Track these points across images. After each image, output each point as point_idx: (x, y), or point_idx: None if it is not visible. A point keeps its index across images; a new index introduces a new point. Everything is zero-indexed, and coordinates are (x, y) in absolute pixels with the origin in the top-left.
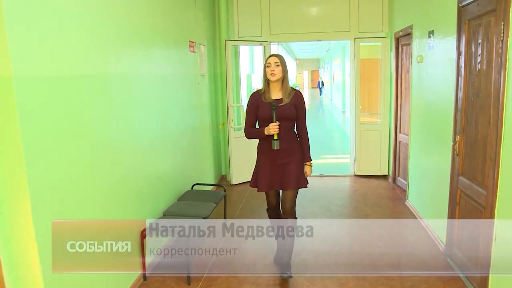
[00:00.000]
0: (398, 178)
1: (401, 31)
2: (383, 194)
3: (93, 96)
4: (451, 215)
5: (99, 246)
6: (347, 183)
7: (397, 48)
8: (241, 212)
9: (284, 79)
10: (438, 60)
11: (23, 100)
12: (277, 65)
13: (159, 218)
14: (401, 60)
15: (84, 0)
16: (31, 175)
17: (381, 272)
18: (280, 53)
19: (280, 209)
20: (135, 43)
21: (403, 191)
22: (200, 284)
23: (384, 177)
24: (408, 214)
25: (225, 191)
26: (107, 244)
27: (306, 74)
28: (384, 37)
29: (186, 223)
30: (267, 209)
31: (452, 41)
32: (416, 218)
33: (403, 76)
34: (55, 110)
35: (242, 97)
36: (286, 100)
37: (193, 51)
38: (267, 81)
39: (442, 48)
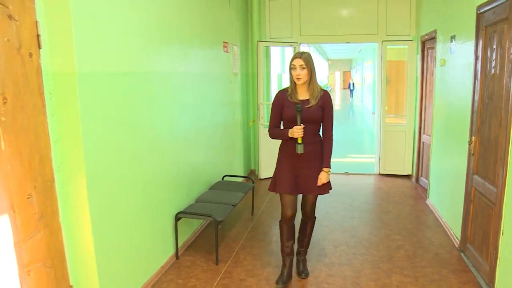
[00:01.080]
0: (421, 178)
1: (426, 34)
2: (405, 192)
3: (140, 91)
4: (466, 212)
5: (139, 226)
6: (371, 182)
7: (422, 51)
8: (267, 204)
9: (311, 80)
10: (458, 64)
11: (83, 92)
12: (303, 68)
13: (191, 204)
14: (427, 63)
15: (134, 6)
16: (87, 159)
17: (396, 262)
18: (310, 53)
19: (294, 225)
20: (175, 44)
21: (425, 190)
22: (227, 265)
23: (408, 176)
24: (427, 212)
25: (253, 183)
26: (146, 224)
27: (338, 74)
28: (411, 40)
29: (216, 209)
30: (280, 221)
31: (471, 46)
32: (435, 216)
33: (428, 78)
34: (108, 102)
35: (272, 96)
36: (313, 102)
37: (227, 51)
38: (293, 82)
39: (462, 52)
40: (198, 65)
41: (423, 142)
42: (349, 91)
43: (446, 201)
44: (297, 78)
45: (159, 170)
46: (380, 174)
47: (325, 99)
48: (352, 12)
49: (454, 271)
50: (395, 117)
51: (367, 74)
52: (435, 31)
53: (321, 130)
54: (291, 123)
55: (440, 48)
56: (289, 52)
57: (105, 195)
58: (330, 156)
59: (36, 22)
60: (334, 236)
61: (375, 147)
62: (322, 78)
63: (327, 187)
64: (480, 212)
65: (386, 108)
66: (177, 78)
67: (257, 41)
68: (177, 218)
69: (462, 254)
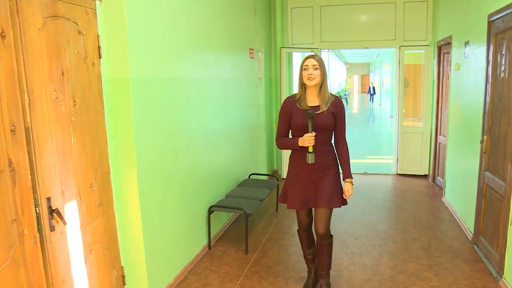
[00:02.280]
0: (437, 177)
1: (442, 40)
2: (422, 191)
3: (178, 95)
4: (478, 207)
5: (178, 217)
6: (389, 181)
7: (439, 55)
8: None
9: (322, 83)
10: (472, 68)
11: (135, 95)
12: (316, 68)
13: (222, 199)
14: (443, 67)
15: (175, 20)
16: (138, 155)
17: (412, 252)
18: (330, 58)
19: (312, 230)
20: (208, 52)
21: (441, 189)
22: (256, 254)
23: (425, 176)
24: (442, 208)
25: (278, 180)
26: (183, 216)
27: (356, 78)
28: (428, 45)
29: (245, 203)
30: (298, 230)
31: (483, 51)
32: (450, 212)
33: (444, 82)
34: (154, 104)
35: None
36: (324, 108)
37: (252, 57)
38: (303, 86)
39: (475, 57)
40: (227, 71)
41: (439, 143)
42: (368, 95)
43: (460, 197)
44: (309, 79)
45: (194, 167)
46: (397, 174)
47: (336, 105)
48: (370, 19)
49: (466, 261)
50: (413, 120)
51: (385, 78)
52: (450, 37)
53: (332, 140)
54: (300, 132)
55: (455, 53)
56: None
57: (151, 187)
58: (349, 165)
59: (98, 35)
60: (355, 229)
61: (393, 148)
62: (341, 81)
63: (337, 199)
64: (491, 206)
65: (404, 110)
66: (209, 83)
67: (280, 47)
68: (210, 211)
69: (475, 246)
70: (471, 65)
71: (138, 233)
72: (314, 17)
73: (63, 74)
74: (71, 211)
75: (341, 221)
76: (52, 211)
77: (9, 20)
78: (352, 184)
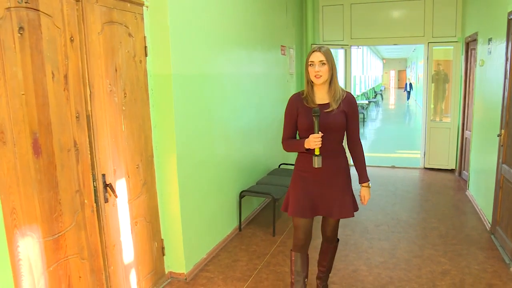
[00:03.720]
0: (463, 171)
1: (469, 36)
2: (447, 184)
3: (214, 89)
4: (496, 198)
5: (212, 199)
6: (416, 174)
7: (466, 51)
8: None
9: (332, 79)
10: (494, 65)
11: (176, 89)
12: (323, 64)
13: (253, 185)
14: (470, 63)
15: (211, 21)
16: (178, 141)
17: (429, 240)
18: (364, 54)
19: (307, 255)
20: (242, 49)
21: (466, 183)
22: (282, 236)
23: (451, 171)
24: (465, 201)
25: None
26: (217, 198)
27: (392, 73)
28: (456, 42)
29: (274, 189)
30: (291, 250)
31: (503, 48)
32: (472, 205)
33: (471, 77)
34: (192, 97)
35: None
36: (334, 106)
37: (284, 54)
38: (310, 83)
39: (497, 54)
40: (260, 67)
41: (466, 138)
42: (405, 92)
43: (482, 190)
44: (316, 76)
45: (227, 155)
46: (425, 168)
47: (349, 102)
48: (399, 15)
49: (481, 249)
50: (445, 116)
51: (421, 74)
52: (476, 34)
53: (345, 141)
54: (308, 132)
55: (480, 49)
56: (341, 54)
57: (189, 170)
58: (365, 168)
59: (145, 37)
60: (376, 217)
61: (420, 142)
62: (377, 77)
63: (349, 209)
64: (507, 197)
65: (432, 106)
66: (242, 78)
67: (311, 44)
68: (241, 196)
69: (492, 236)
70: (494, 61)
71: (176, 210)
72: (344, 15)
73: (116, 70)
74: (121, 187)
75: (363, 210)
76: (106, 186)
77: (76, 27)
78: (369, 188)
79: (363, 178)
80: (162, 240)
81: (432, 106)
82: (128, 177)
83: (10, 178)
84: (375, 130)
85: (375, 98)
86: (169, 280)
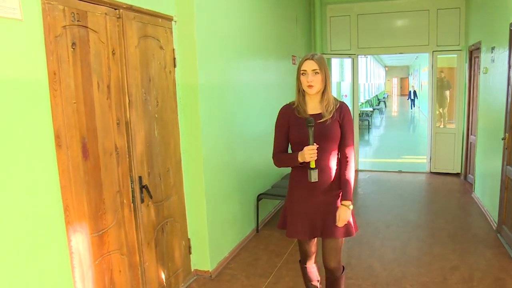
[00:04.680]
0: (469, 175)
1: (473, 45)
2: (453, 188)
3: (233, 98)
4: (501, 198)
5: (233, 201)
6: (422, 178)
7: (470, 59)
8: None
9: (325, 88)
10: (497, 72)
11: (202, 98)
12: (316, 73)
13: (269, 189)
14: (474, 70)
15: (229, 32)
16: (204, 147)
17: (438, 238)
18: (368, 62)
19: (315, 263)
20: (258, 60)
21: (471, 186)
22: None
23: (457, 175)
24: (471, 203)
25: None
26: (237, 200)
27: (395, 81)
28: (460, 50)
29: None
30: (299, 261)
31: (506, 56)
32: (478, 206)
33: (474, 84)
34: (215, 106)
35: None
36: (327, 116)
37: (294, 63)
38: (301, 92)
39: (500, 62)
40: (273, 76)
41: (471, 142)
42: (408, 100)
43: (487, 191)
44: (309, 86)
45: (246, 160)
46: (431, 172)
47: (342, 111)
48: (404, 25)
49: (488, 247)
50: (449, 122)
51: (424, 81)
52: (479, 42)
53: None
54: (301, 145)
55: (484, 57)
56: (348, 63)
57: (213, 173)
58: (351, 185)
59: (173, 49)
60: (386, 218)
61: (426, 147)
62: (379, 84)
63: (352, 226)
64: None
65: (438, 112)
66: (258, 87)
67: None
68: (259, 198)
69: (498, 235)
70: (497, 69)
71: (203, 211)
72: (351, 25)
73: (150, 80)
74: (154, 189)
75: (374, 212)
76: (142, 187)
77: (117, 41)
78: (349, 208)
79: (345, 195)
80: (189, 239)
81: (437, 112)
82: (160, 179)
83: (64, 178)
84: (380, 137)
85: (378, 105)
86: (195, 277)
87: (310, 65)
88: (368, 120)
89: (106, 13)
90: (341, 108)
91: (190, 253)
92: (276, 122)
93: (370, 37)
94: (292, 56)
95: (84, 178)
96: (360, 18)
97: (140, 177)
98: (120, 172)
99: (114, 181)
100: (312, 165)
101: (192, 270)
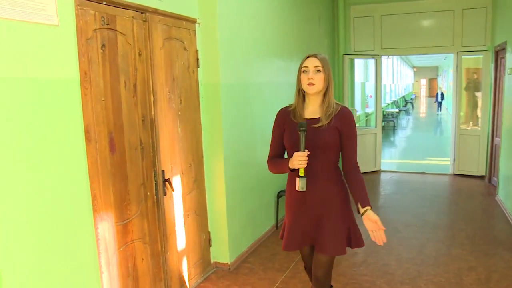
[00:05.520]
0: (493, 177)
1: (498, 45)
2: (477, 190)
3: (254, 97)
4: None
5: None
6: (445, 180)
7: (496, 60)
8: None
9: (327, 90)
10: None
11: (223, 97)
12: (318, 71)
13: None
14: (500, 71)
15: (251, 33)
16: (225, 144)
17: (457, 239)
18: (395, 63)
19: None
20: (280, 60)
21: (495, 188)
22: None
23: (481, 177)
24: (494, 205)
25: None
26: (257, 197)
27: (423, 82)
28: (486, 50)
29: None
30: (305, 267)
31: None
32: (501, 209)
33: (500, 85)
34: (237, 104)
35: (357, 103)
36: (324, 121)
37: None
38: (301, 93)
39: None
40: (295, 76)
41: (496, 145)
42: (436, 103)
43: (511, 194)
44: (309, 84)
45: (266, 158)
46: (454, 174)
47: (343, 117)
48: (429, 26)
49: (509, 249)
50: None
51: (452, 82)
52: (505, 43)
53: (340, 163)
54: (294, 151)
55: (509, 58)
56: (372, 63)
57: (233, 170)
58: (365, 191)
59: (197, 50)
60: (406, 218)
61: (450, 149)
62: (408, 85)
63: (343, 244)
64: None
65: (462, 113)
66: (280, 86)
67: (343, 54)
68: (279, 196)
69: None
70: None
71: (223, 206)
72: (375, 26)
73: (174, 80)
74: (176, 182)
75: (394, 212)
76: (165, 181)
77: (143, 43)
78: (371, 211)
79: (366, 201)
80: (209, 232)
81: (462, 113)
82: (182, 174)
83: (92, 170)
84: (406, 138)
85: (405, 106)
86: (214, 269)
87: (312, 62)
88: (394, 122)
89: (133, 17)
90: (342, 114)
91: (210, 245)
92: (273, 125)
93: (393, 37)
94: None
95: (111, 170)
96: (384, 18)
97: (163, 171)
98: (144, 166)
99: (139, 174)
100: (301, 173)
101: (212, 262)
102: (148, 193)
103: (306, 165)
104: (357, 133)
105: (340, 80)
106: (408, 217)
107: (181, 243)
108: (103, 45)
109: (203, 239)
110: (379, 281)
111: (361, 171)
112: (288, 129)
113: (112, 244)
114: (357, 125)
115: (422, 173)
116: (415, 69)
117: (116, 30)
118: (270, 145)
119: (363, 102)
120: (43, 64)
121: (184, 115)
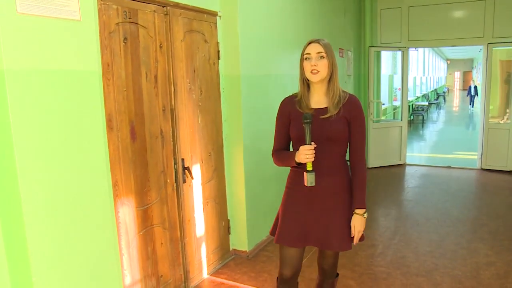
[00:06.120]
0: None
1: None
2: (503, 185)
3: (275, 88)
4: None
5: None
6: (471, 175)
7: None
8: (373, 187)
9: (331, 77)
10: None
11: (243, 88)
12: (321, 57)
13: None
14: None
15: (271, 25)
16: (245, 134)
17: (478, 234)
18: (426, 55)
19: (297, 284)
20: (300, 52)
21: None
22: None
23: (510, 172)
24: None
25: None
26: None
27: (457, 75)
28: None
29: None
30: (277, 278)
31: None
32: None
33: None
34: (256, 95)
35: (383, 94)
36: (333, 111)
37: (342, 56)
38: (305, 82)
39: None
40: None
41: None
42: (468, 97)
43: None
44: (313, 72)
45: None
46: (481, 169)
47: (352, 106)
48: (458, 17)
49: None
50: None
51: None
52: None
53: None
54: (301, 144)
55: None
56: (399, 56)
57: (253, 160)
58: (364, 191)
59: (218, 43)
60: (427, 212)
61: (478, 143)
62: (440, 77)
63: (350, 239)
64: None
65: (492, 107)
66: None
67: (369, 46)
68: None
69: None
70: None
71: (242, 195)
72: (402, 17)
73: (194, 71)
74: (196, 171)
75: (416, 205)
76: (184, 169)
77: (164, 36)
78: (364, 217)
79: (359, 202)
80: (228, 220)
81: (491, 107)
82: (202, 162)
83: (114, 157)
84: (434, 132)
85: (437, 99)
86: (233, 257)
87: (315, 48)
88: (423, 115)
89: (154, 11)
90: (350, 103)
91: (229, 233)
92: (276, 116)
93: (421, 29)
94: (340, 48)
95: (132, 158)
96: (411, 10)
97: (183, 159)
98: (165, 154)
99: (159, 162)
100: (309, 167)
101: (231, 249)
102: (168, 180)
103: (313, 159)
104: (382, 126)
105: (366, 73)
106: (430, 211)
107: (200, 230)
108: (125, 38)
109: (222, 227)
110: (395, 272)
111: (385, 164)
112: (295, 120)
113: (132, 227)
114: (383, 117)
115: (448, 167)
116: (448, 62)
117: (138, 24)
118: (274, 137)
119: (390, 95)
120: (67, 57)
121: (204, 105)
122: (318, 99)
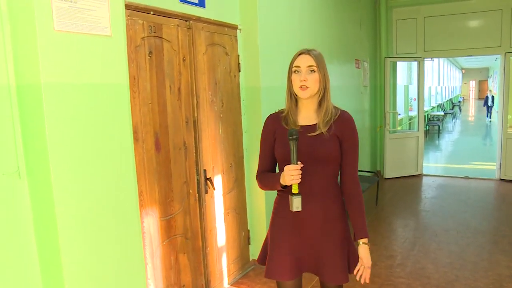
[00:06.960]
0: None
1: None
2: None
3: None
4: None
5: None
6: (490, 185)
7: None
8: (390, 198)
9: (324, 93)
10: None
11: (263, 99)
12: (312, 71)
13: None
14: None
15: (289, 37)
16: None
17: (499, 245)
18: (441, 65)
19: None
20: None
21: None
22: None
23: None
24: None
25: (378, 177)
26: None
27: (472, 84)
28: None
29: None
30: None
31: None
32: None
33: None
34: (277, 107)
35: (399, 105)
36: (323, 128)
37: (358, 67)
38: (293, 96)
39: None
40: (336, 79)
41: None
42: (484, 107)
43: None
44: (302, 88)
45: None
46: (500, 179)
47: (343, 123)
48: (474, 27)
49: None
50: None
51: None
52: None
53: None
54: (286, 164)
55: None
56: (414, 66)
57: None
58: (364, 217)
59: (238, 55)
60: (446, 223)
61: (496, 153)
62: (455, 87)
63: (347, 271)
64: None
65: (510, 117)
66: None
67: (385, 57)
68: None
69: None
70: None
71: (262, 205)
72: (417, 28)
73: (216, 84)
74: (217, 181)
75: (434, 216)
76: (206, 179)
77: (187, 49)
78: (368, 246)
79: (362, 230)
80: (248, 230)
81: (510, 116)
82: (223, 173)
83: (139, 167)
84: (450, 142)
85: (452, 109)
86: (253, 267)
87: (305, 60)
88: (439, 125)
89: (178, 25)
90: (343, 120)
91: (249, 243)
92: (261, 135)
93: (437, 39)
94: (356, 60)
95: (156, 168)
96: (427, 20)
97: (205, 170)
98: (187, 165)
99: (182, 173)
100: (295, 190)
101: (250, 259)
102: (191, 191)
103: (299, 180)
104: (399, 137)
105: (382, 84)
106: (449, 221)
107: (221, 240)
108: (150, 52)
109: (242, 237)
110: (414, 283)
111: (402, 175)
112: (280, 138)
113: (156, 237)
114: (399, 128)
115: (466, 177)
116: (463, 71)
117: (162, 38)
118: (259, 158)
119: (406, 105)
120: (99, 71)
121: (225, 117)
122: (306, 115)
